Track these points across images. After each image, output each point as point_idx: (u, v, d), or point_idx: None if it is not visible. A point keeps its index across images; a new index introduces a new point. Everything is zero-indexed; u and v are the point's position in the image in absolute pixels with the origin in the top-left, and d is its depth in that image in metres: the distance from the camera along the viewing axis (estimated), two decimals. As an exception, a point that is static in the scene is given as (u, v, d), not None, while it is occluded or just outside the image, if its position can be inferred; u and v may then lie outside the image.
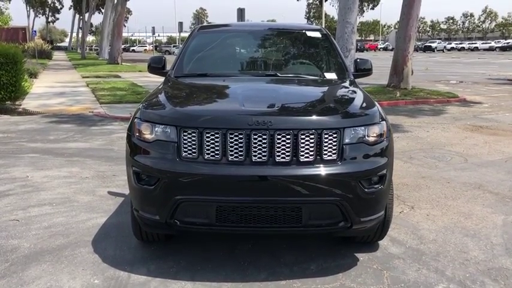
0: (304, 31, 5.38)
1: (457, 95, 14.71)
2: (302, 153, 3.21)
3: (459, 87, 17.81)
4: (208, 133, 3.23)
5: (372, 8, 77.13)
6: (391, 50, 63.59)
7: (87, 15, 58.69)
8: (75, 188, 5.55)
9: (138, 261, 3.69)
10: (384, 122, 3.53)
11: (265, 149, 3.20)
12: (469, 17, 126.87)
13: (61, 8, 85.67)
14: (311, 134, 3.23)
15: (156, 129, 3.36)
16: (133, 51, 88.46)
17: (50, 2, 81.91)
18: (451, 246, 4.00)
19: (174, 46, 73.90)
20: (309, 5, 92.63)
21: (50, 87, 17.67)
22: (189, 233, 3.83)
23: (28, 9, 75.61)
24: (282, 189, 3.19)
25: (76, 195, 5.27)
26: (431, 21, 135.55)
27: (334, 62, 4.92)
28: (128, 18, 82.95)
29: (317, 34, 5.23)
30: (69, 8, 74.48)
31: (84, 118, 10.82)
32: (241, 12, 20.11)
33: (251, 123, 3.21)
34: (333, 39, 5.19)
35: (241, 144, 3.20)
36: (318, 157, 3.23)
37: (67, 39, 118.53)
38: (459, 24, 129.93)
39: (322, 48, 5.17)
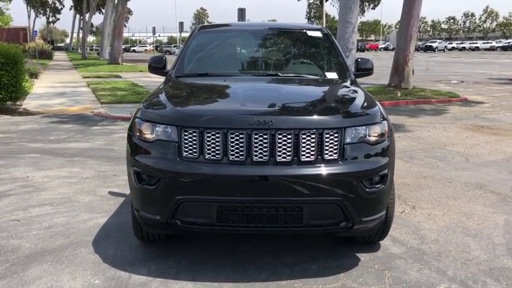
0: (305, 31, 5.37)
1: (458, 94, 14.70)
2: (303, 153, 3.20)
3: (460, 87, 17.79)
4: (209, 133, 3.22)
5: (373, 8, 77.14)
6: (392, 49, 63.64)
7: (87, 15, 58.72)
8: (75, 188, 5.54)
9: (139, 261, 3.68)
10: (385, 121, 3.52)
11: (266, 149, 3.19)
12: (470, 17, 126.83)
13: (61, 9, 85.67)
14: (312, 134, 3.22)
15: (156, 129, 3.36)
16: (134, 51, 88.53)
17: (50, 3, 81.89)
18: (453, 246, 3.99)
19: (174, 46, 73.93)
20: (309, 5, 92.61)
21: (50, 87, 17.67)
22: (190, 233, 3.83)
23: (29, 10, 75.72)
24: (283, 189, 3.18)
25: (77, 195, 5.27)
26: (432, 21, 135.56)
27: (335, 61, 4.91)
28: (128, 18, 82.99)
29: (318, 34, 5.22)
30: (70, 9, 74.50)
31: (84, 118, 10.82)
32: (241, 12, 20.10)
33: (252, 123, 3.20)
34: (334, 38, 5.18)
35: (242, 144, 3.19)
36: (319, 157, 3.22)
37: (68, 40, 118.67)
38: (460, 24, 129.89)
39: (323, 48, 5.16)
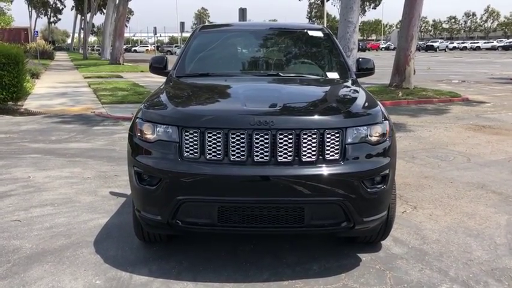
0: (306, 30, 5.36)
1: (459, 94, 14.67)
2: (304, 153, 3.20)
3: (461, 87, 17.77)
4: (210, 133, 3.22)
5: (374, 8, 77.19)
6: (393, 49, 63.58)
7: (88, 15, 58.76)
8: (77, 188, 5.54)
9: (140, 261, 3.68)
10: (387, 121, 3.51)
11: (267, 149, 3.18)
12: (471, 17, 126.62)
13: (63, 9, 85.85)
14: (313, 134, 3.21)
15: (157, 129, 3.35)
16: (135, 51, 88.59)
17: (51, 3, 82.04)
18: (454, 246, 3.98)
19: (175, 46, 73.97)
20: (310, 4, 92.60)
21: (51, 87, 17.69)
22: (191, 233, 3.82)
23: (30, 10, 75.82)
24: (284, 189, 3.17)
25: (78, 196, 5.27)
26: (433, 21, 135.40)
27: (336, 61, 4.90)
28: (129, 18, 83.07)
29: (319, 33, 5.21)
30: (71, 9, 74.52)
31: (86, 118, 10.82)
32: (242, 12, 20.09)
33: (253, 123, 3.19)
34: (335, 38, 5.17)
35: (243, 144, 3.19)
36: (320, 157, 3.22)
37: (69, 40, 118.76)
38: (461, 24, 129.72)
39: (324, 48, 5.15)
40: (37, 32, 46.07)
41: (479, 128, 9.44)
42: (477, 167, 6.49)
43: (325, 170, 3.18)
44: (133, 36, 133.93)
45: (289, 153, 3.19)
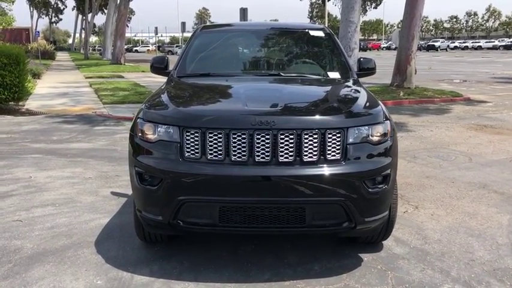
0: (307, 30, 5.35)
1: (461, 94, 14.65)
2: (305, 153, 3.19)
3: (463, 86, 17.74)
4: (211, 133, 3.21)
5: (375, 7, 77.13)
6: (394, 49, 63.52)
7: (90, 15, 58.83)
8: (78, 188, 5.55)
9: (141, 262, 3.68)
10: (388, 121, 3.50)
11: (268, 149, 3.18)
12: (472, 16, 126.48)
13: (64, 9, 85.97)
14: (314, 134, 3.20)
15: (158, 129, 3.35)
16: (136, 51, 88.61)
17: (53, 3, 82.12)
18: (456, 246, 3.97)
19: (176, 46, 73.95)
20: (311, 4, 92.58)
21: (53, 87, 17.71)
22: (192, 233, 3.82)
23: (31, 10, 75.86)
24: (286, 190, 3.17)
25: (79, 196, 5.27)
26: (435, 20, 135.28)
27: (338, 61, 4.89)
28: (130, 18, 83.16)
29: (320, 33, 5.20)
30: (72, 9, 74.57)
31: (87, 118, 10.83)
32: (243, 12, 20.10)
33: (254, 123, 3.19)
34: (336, 38, 5.16)
35: (244, 145, 3.18)
36: (322, 157, 3.21)
37: (70, 40, 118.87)
38: (462, 23, 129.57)
39: (325, 48, 5.15)
40: (38, 32, 46.21)
41: (480, 128, 9.42)
42: (479, 167, 6.48)
43: (326, 170, 3.18)
44: (135, 36, 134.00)
45: (291, 153, 3.18)
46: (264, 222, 3.27)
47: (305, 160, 3.19)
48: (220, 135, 3.20)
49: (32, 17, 76.55)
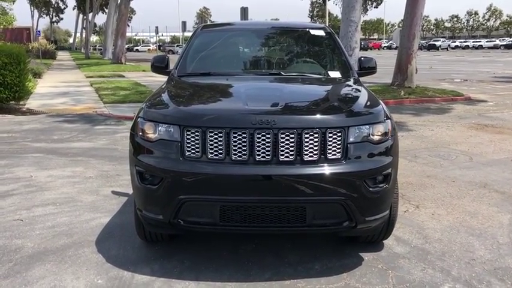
0: (307, 29, 5.35)
1: (461, 93, 14.64)
2: (306, 153, 3.19)
3: (464, 86, 17.73)
4: (211, 132, 3.21)
5: (376, 7, 77.10)
6: (395, 48, 63.41)
7: (90, 15, 58.86)
8: (78, 187, 5.55)
9: (142, 261, 3.68)
10: (389, 120, 3.50)
11: (268, 148, 3.18)
12: (473, 15, 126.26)
13: (65, 8, 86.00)
14: (315, 133, 3.20)
15: (159, 128, 3.35)
16: (137, 51, 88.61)
17: (53, 2, 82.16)
18: (457, 245, 3.96)
19: (177, 46, 73.93)
20: (312, 3, 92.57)
21: (54, 87, 17.72)
22: (193, 232, 3.82)
23: (32, 10, 75.83)
24: (286, 189, 3.16)
25: (80, 195, 5.27)
26: (436, 20, 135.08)
27: (338, 60, 4.88)
28: (131, 18, 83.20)
29: (321, 32, 5.20)
30: (73, 8, 74.63)
31: (88, 118, 10.83)
32: (244, 11, 20.10)
33: (254, 122, 3.18)
34: (337, 37, 5.16)
35: (244, 144, 3.18)
36: (322, 156, 3.21)
37: (71, 39, 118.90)
38: (463, 23, 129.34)
39: (326, 47, 5.14)
40: (39, 31, 46.14)
41: (481, 127, 9.41)
42: (479, 166, 6.47)
43: (327, 169, 3.17)
44: (135, 35, 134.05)
45: (291, 153, 3.18)
46: (264, 222, 3.26)
47: (305, 159, 3.19)
48: (221, 135, 3.20)
49: (32, 16, 76.52)
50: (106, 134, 8.86)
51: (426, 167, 6.45)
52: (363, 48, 70.72)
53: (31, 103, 13.03)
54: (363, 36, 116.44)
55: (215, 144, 3.21)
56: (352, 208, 3.22)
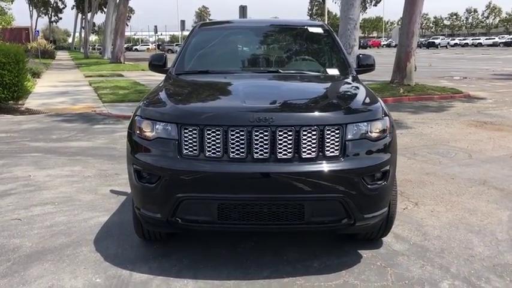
0: (306, 27, 5.34)
1: (461, 90, 14.63)
2: (304, 150, 3.18)
3: (463, 83, 17.71)
4: (209, 130, 3.20)
5: (375, 5, 77.15)
6: (394, 46, 63.38)
7: (89, 14, 58.81)
8: (77, 186, 5.54)
9: (140, 259, 3.67)
10: (387, 117, 3.49)
11: (266, 146, 3.17)
12: (472, 13, 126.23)
13: (64, 8, 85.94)
14: (313, 130, 3.19)
15: (156, 126, 3.34)
16: (136, 50, 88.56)
17: (52, 2, 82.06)
18: (456, 242, 3.96)
19: (176, 45, 73.88)
20: (311, 1, 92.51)
21: (52, 86, 17.70)
22: (191, 231, 3.81)
23: (31, 10, 75.77)
24: (284, 186, 3.15)
25: (78, 194, 5.26)
26: (435, 18, 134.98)
27: (337, 57, 4.87)
28: (130, 17, 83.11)
29: (319, 30, 5.18)
30: (72, 8, 74.51)
31: (86, 117, 10.82)
32: (243, 10, 20.07)
33: (252, 119, 3.17)
34: (335, 35, 5.14)
35: (242, 141, 3.17)
36: (320, 153, 3.20)
37: (70, 39, 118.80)
38: (463, 20, 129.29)
39: (324, 44, 5.13)
40: (38, 31, 46.15)
41: (480, 124, 9.40)
42: (479, 163, 6.46)
43: (325, 167, 3.16)
44: (135, 35, 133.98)
45: (289, 150, 3.17)
46: (262, 219, 3.25)
47: (304, 157, 3.18)
48: (219, 132, 3.19)
49: (31, 16, 76.46)
50: (105, 133, 8.85)
51: (425, 165, 6.44)
52: (362, 46, 70.69)
53: (30, 103, 13.02)
54: (362, 35, 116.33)
55: (213, 142, 3.20)
56: (351, 205, 3.21)
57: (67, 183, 5.66)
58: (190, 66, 4.69)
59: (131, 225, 3.92)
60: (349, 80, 4.37)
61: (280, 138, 3.16)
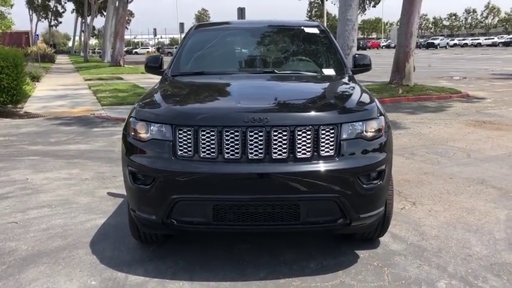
0: (302, 27, 5.33)
1: (459, 90, 14.62)
2: (299, 150, 3.16)
3: (462, 83, 17.70)
4: (203, 131, 3.19)
5: (374, 6, 77.05)
6: (394, 47, 63.36)
7: (89, 18, 58.90)
8: (74, 189, 5.53)
9: (136, 262, 3.65)
10: (382, 117, 3.47)
11: (261, 146, 3.15)
12: (471, 13, 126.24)
13: (63, 12, 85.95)
14: (308, 130, 3.18)
15: (151, 128, 3.32)
16: (136, 53, 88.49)
17: (52, 6, 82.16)
18: (453, 242, 3.94)
19: (176, 48, 73.93)
20: (310, 3, 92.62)
21: (52, 90, 17.71)
22: (187, 232, 3.80)
23: (31, 14, 75.96)
24: (279, 187, 3.14)
25: (75, 197, 5.25)
26: (434, 18, 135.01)
27: (333, 58, 4.86)
28: (130, 20, 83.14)
29: (315, 30, 5.17)
30: (72, 12, 74.60)
31: (85, 120, 10.82)
32: (241, 12, 20.08)
33: (247, 120, 3.16)
34: (331, 35, 5.13)
35: (237, 142, 3.16)
36: (315, 153, 3.19)
37: (70, 43, 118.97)
38: (462, 21, 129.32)
39: (320, 45, 5.12)
40: (38, 35, 46.25)
41: (479, 124, 9.39)
42: (477, 163, 6.44)
43: (320, 167, 3.15)
44: (134, 38, 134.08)
45: (284, 150, 3.16)
46: (258, 220, 3.24)
47: (299, 157, 3.16)
48: (213, 133, 3.18)
49: (31, 20, 76.69)
50: (103, 136, 8.84)
51: (423, 164, 6.42)
52: (362, 47, 70.65)
53: (29, 106, 13.02)
54: (362, 36, 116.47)
55: (207, 143, 3.18)
56: (346, 205, 3.20)
57: (64, 186, 5.64)
58: (186, 67, 4.69)
59: (128, 227, 3.90)
60: (345, 80, 4.36)
61: (275, 138, 3.15)
